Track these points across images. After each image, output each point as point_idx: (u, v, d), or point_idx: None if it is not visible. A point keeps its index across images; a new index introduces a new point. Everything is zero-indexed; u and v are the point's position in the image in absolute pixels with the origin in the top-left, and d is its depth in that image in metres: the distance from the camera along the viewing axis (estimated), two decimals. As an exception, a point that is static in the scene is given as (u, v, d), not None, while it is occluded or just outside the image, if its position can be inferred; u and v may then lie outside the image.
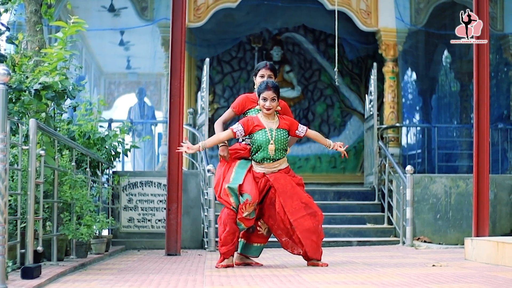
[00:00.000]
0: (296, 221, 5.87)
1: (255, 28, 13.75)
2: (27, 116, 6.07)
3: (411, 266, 5.94)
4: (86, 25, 6.42)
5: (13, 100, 6.05)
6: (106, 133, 8.76)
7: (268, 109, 5.94)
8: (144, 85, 15.48)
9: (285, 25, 14.14)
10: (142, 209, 9.50)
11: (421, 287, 4.32)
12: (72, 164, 6.56)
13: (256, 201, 5.85)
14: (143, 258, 7.45)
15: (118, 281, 4.80)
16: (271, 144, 5.92)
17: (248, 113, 6.15)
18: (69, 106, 7.26)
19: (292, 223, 5.88)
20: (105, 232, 8.42)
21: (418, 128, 14.41)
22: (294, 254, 6.10)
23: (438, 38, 13.69)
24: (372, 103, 11.48)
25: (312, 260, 5.96)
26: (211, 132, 13.82)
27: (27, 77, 6.19)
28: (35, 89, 5.97)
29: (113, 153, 8.84)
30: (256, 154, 5.97)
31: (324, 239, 6.31)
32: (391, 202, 10.29)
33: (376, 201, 10.97)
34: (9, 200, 5.26)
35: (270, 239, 6.30)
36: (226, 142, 6.03)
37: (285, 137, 5.98)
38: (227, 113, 6.24)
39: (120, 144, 8.99)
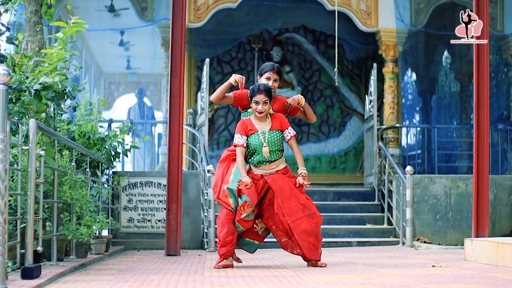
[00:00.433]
0: (293, 222, 5.87)
1: (255, 28, 13.75)
2: (27, 116, 6.07)
3: (410, 267, 5.94)
4: (86, 26, 6.43)
5: (13, 100, 6.05)
6: (106, 133, 8.76)
7: (260, 113, 5.95)
8: (144, 85, 15.50)
9: (285, 26, 14.15)
10: (142, 209, 9.50)
11: (420, 288, 4.32)
12: (72, 164, 6.56)
13: (255, 203, 5.85)
14: (143, 258, 7.45)
15: (118, 282, 4.80)
16: (265, 147, 5.91)
17: (246, 111, 6.16)
18: (69, 107, 7.27)
19: (290, 225, 5.88)
20: (105, 232, 8.42)
21: (418, 129, 14.41)
22: (294, 254, 6.10)
23: (438, 38, 13.70)
24: (372, 103, 11.48)
25: (311, 260, 5.97)
26: (211, 132, 13.92)
27: (27, 77, 6.19)
28: (35, 90, 5.97)
29: (113, 153, 8.84)
30: (252, 157, 5.97)
31: (324, 240, 6.32)
32: (391, 203, 10.29)
33: (376, 202, 10.97)
34: (9, 200, 5.26)
35: (270, 239, 6.30)
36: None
37: (278, 138, 5.97)
38: (226, 91, 6.14)
39: (120, 144, 8.99)
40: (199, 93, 11.85)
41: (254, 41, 14.51)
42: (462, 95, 14.28)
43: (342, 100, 14.68)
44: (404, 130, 13.86)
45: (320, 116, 14.61)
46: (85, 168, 7.45)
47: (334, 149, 14.43)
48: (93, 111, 8.72)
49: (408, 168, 9.36)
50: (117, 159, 9.21)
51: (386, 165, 10.53)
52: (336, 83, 10.60)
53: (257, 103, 5.95)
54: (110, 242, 8.12)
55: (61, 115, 7.32)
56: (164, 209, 8.97)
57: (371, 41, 13.05)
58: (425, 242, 9.56)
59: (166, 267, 6.18)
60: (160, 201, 9.47)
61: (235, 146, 5.96)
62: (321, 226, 6.09)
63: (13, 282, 4.40)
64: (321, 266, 5.90)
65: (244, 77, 6.14)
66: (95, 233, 7.11)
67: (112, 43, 14.18)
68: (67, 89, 6.17)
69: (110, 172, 9.34)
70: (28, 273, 4.61)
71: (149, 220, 9.48)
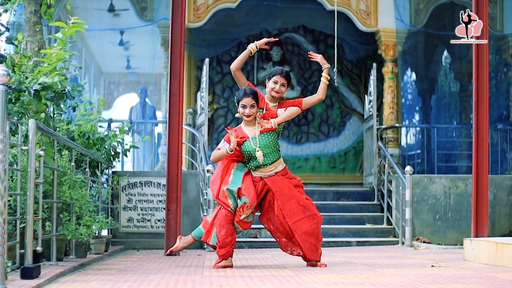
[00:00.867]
0: (294, 224, 5.87)
1: (255, 28, 13.75)
2: (26, 116, 6.07)
3: (410, 267, 5.94)
4: (86, 26, 6.42)
5: (13, 101, 6.06)
6: (106, 133, 8.76)
7: (248, 116, 5.93)
8: (143, 85, 15.49)
9: (285, 26, 14.14)
10: (141, 209, 9.50)
11: (420, 288, 4.33)
12: (72, 164, 6.56)
13: (254, 204, 5.85)
14: (142, 258, 7.45)
15: (118, 281, 4.80)
16: (258, 151, 5.89)
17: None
18: (69, 106, 7.26)
19: (290, 226, 5.88)
20: (104, 232, 8.42)
21: (418, 129, 14.42)
22: (293, 255, 6.10)
23: (438, 38, 13.71)
24: (371, 103, 11.48)
25: (311, 261, 5.97)
26: (211, 132, 13.92)
27: (26, 78, 6.19)
28: (34, 90, 5.97)
29: (112, 153, 8.84)
30: (249, 163, 5.97)
31: (324, 239, 6.32)
32: (390, 203, 10.29)
33: (375, 202, 10.98)
34: (9, 200, 5.27)
35: (270, 239, 6.30)
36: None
37: (270, 139, 5.93)
38: (246, 59, 6.20)
39: (119, 144, 8.99)
40: (198, 93, 11.85)
41: (254, 41, 14.46)
42: (461, 95, 14.28)
43: (341, 100, 14.68)
44: (403, 130, 13.88)
45: (319, 116, 14.62)
46: (85, 168, 7.45)
47: (334, 149, 14.43)
48: (93, 111, 8.72)
49: (408, 168, 9.36)
50: (116, 159, 9.21)
51: (386, 165, 10.53)
52: (336, 83, 10.60)
53: (244, 106, 5.92)
54: (109, 242, 8.12)
55: (61, 115, 7.32)
56: (164, 209, 8.97)
57: (370, 41, 13.06)
58: (424, 242, 9.57)
59: (165, 267, 6.18)
60: (160, 201, 9.48)
61: (218, 149, 5.96)
62: (321, 226, 6.09)
63: (12, 282, 4.40)
64: (321, 267, 5.90)
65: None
66: (95, 233, 7.11)
67: (111, 43, 14.18)
68: (66, 89, 6.17)
69: (110, 172, 9.34)
70: (28, 273, 4.61)
71: (148, 220, 9.48)
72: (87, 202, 6.38)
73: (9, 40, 6.62)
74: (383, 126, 12.22)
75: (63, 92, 6.12)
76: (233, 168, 5.98)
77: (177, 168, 7.90)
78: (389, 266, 5.96)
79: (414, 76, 14.81)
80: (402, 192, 9.46)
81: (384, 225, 10.28)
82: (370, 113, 11.52)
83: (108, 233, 8.88)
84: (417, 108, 14.93)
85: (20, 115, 6.06)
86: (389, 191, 10.36)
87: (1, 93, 4.19)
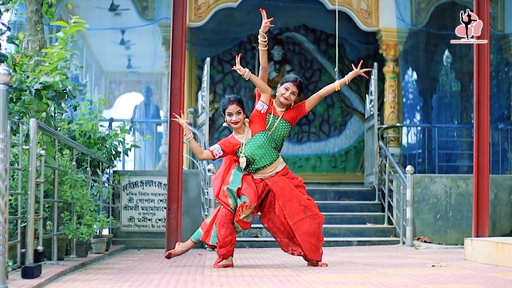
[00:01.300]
0: (295, 224, 5.87)
1: (256, 27, 13.60)
2: (27, 115, 6.08)
3: (410, 266, 5.94)
4: (87, 25, 6.43)
5: (14, 100, 6.06)
6: (107, 132, 8.77)
7: (235, 123, 5.93)
8: (147, 84, 15.49)
9: (286, 25, 14.14)
10: (142, 209, 9.51)
11: (420, 288, 4.33)
12: (73, 163, 6.56)
13: (254, 204, 5.84)
14: (143, 257, 7.46)
15: (118, 281, 4.81)
16: (242, 157, 5.88)
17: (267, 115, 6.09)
18: (70, 106, 7.27)
19: (291, 226, 5.88)
20: (105, 232, 8.43)
21: (419, 128, 14.41)
22: (294, 255, 6.10)
23: (439, 38, 13.70)
24: (372, 103, 11.48)
25: (312, 260, 5.97)
26: (212, 132, 13.92)
27: (27, 77, 6.19)
28: (35, 89, 5.97)
29: (113, 152, 8.85)
30: (248, 167, 5.97)
31: (324, 239, 6.32)
32: (391, 202, 10.29)
33: (376, 201, 10.98)
34: (10, 200, 5.27)
35: (271, 239, 6.30)
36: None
37: (264, 138, 5.92)
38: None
39: (120, 144, 9.00)
40: (199, 92, 11.85)
41: (255, 40, 14.48)
42: (462, 94, 14.28)
43: (342, 99, 14.68)
44: (404, 129, 13.86)
45: (320, 115, 14.62)
46: (86, 167, 7.45)
47: (335, 148, 14.43)
48: (94, 110, 8.73)
49: (409, 167, 9.36)
50: (117, 158, 9.22)
51: (387, 165, 10.53)
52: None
53: (230, 114, 5.93)
54: (110, 241, 8.13)
55: (62, 114, 7.33)
56: (165, 208, 8.97)
57: (371, 40, 13.05)
58: (425, 241, 9.57)
59: (166, 266, 6.18)
60: (161, 200, 9.48)
61: (209, 150, 5.96)
62: (322, 227, 6.09)
63: (13, 282, 4.41)
64: (321, 266, 5.90)
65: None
66: (96, 232, 7.12)
67: (113, 42, 14.18)
68: (67, 88, 6.17)
69: (111, 171, 9.34)
70: (29, 273, 4.62)
71: (149, 219, 9.48)
72: (88, 202, 6.39)
73: (10, 40, 6.61)
74: (384, 126, 12.22)
75: (64, 91, 6.13)
76: (233, 168, 5.98)
77: (178, 168, 7.91)
78: (389, 266, 5.96)
79: (415, 75, 14.80)
80: (403, 192, 9.46)
81: (385, 225, 10.28)
82: (371, 113, 11.52)
83: (109, 233, 8.89)
84: (418, 108, 14.91)
85: (21, 115, 6.07)
86: (390, 191, 10.36)
87: (2, 92, 4.19)
